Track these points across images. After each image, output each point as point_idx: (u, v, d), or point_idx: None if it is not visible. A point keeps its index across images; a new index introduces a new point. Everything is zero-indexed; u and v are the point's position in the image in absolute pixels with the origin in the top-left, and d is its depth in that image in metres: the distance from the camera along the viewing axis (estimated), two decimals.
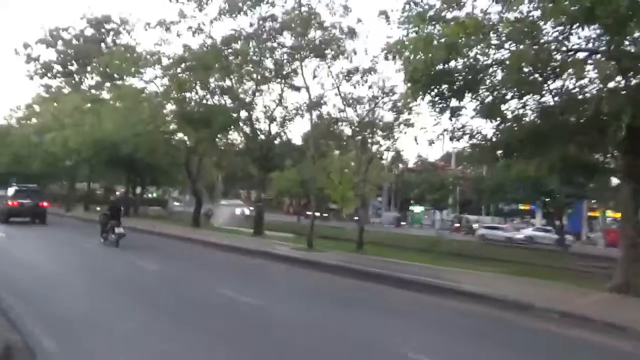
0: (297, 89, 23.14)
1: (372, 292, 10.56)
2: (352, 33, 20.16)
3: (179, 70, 22.35)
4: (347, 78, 19.82)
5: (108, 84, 36.65)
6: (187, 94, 23.09)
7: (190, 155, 26.80)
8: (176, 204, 60.25)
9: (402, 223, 54.91)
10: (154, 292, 9.12)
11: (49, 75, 46.68)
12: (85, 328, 6.39)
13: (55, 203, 47.66)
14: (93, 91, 39.94)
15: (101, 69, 40.92)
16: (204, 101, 23.31)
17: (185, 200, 63.04)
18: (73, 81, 45.25)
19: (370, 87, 19.24)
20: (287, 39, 21.14)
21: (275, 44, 20.93)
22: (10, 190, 24.88)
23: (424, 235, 36.07)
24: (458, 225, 49.07)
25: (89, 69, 44.88)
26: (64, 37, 46.14)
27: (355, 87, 19.73)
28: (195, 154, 26.78)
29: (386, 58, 12.34)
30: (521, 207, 47.13)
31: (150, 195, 51.53)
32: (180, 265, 13.18)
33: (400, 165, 55.63)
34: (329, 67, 20.45)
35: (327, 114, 21.72)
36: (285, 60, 21.86)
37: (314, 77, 21.32)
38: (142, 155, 27.68)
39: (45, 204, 24.70)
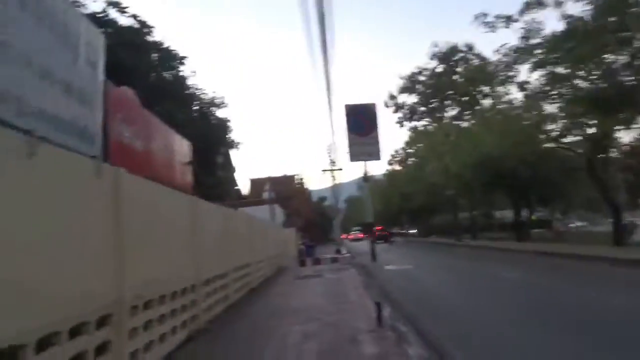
0: None
1: None
2: None
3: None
4: None
5: (468, 112, 35.93)
6: (581, 74, 18.10)
7: (595, 156, 21.14)
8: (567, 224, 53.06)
9: None
10: None
11: (414, 117, 50.17)
12: None
13: (443, 235, 49.73)
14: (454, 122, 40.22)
15: (459, 99, 41.06)
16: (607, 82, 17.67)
17: (569, 219, 55.02)
18: (436, 117, 47.08)
19: None
20: None
21: None
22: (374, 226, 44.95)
23: None
24: None
25: (446, 102, 46.36)
26: (420, 79, 49.03)
27: None
28: (603, 152, 20.95)
29: None
30: None
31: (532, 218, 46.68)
32: None
33: None
34: None
35: None
36: None
37: None
38: (526, 167, 24.05)
39: (386, 233, 46.09)
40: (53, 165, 3.44)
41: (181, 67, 11.67)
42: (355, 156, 7.15)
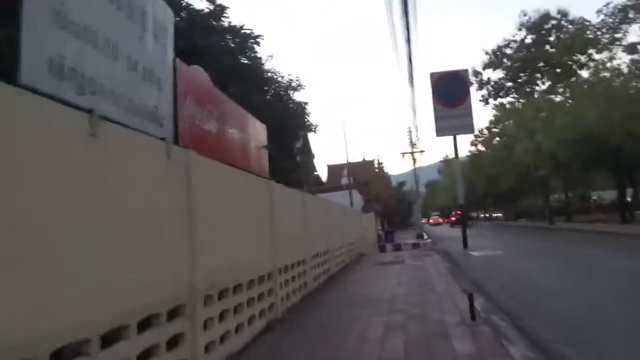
0: None
1: None
2: None
3: None
4: None
5: (560, 85, 32.77)
6: None
7: None
8: None
9: None
10: None
11: (500, 94, 46.88)
12: None
13: (532, 218, 46.46)
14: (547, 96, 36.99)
15: (551, 71, 37.57)
16: None
17: None
18: (525, 92, 43.59)
19: None
20: None
21: None
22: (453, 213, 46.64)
23: None
24: None
25: (537, 75, 42.59)
26: (507, 53, 45.47)
27: None
28: None
29: None
30: None
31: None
32: None
33: None
34: None
35: None
36: None
37: None
38: (635, 143, 21.29)
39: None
40: (118, 146, 3.20)
41: (256, 47, 11.50)
42: (442, 130, 6.42)
